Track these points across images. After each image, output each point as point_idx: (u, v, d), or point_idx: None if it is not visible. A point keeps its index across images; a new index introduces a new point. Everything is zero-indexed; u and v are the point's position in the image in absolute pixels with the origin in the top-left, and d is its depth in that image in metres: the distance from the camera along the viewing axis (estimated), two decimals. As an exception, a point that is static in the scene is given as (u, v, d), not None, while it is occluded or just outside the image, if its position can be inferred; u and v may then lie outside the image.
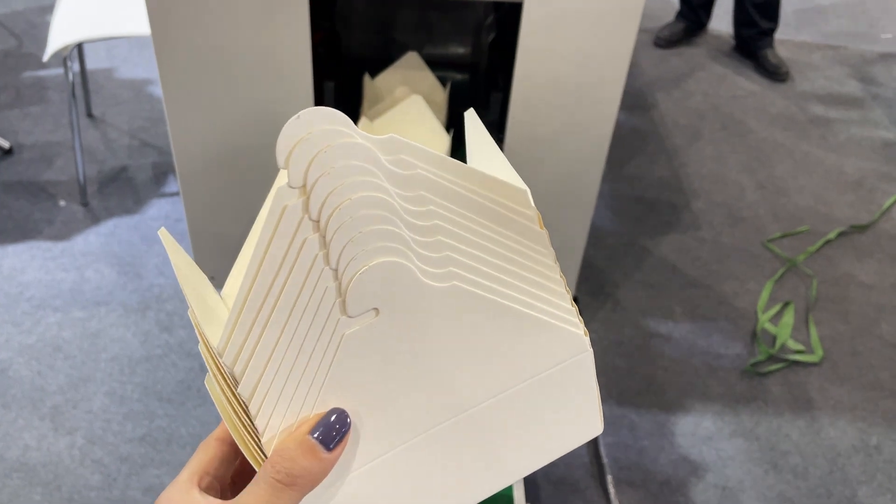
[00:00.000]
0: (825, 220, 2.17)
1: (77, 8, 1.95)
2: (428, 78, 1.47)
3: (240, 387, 0.35)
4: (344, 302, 0.34)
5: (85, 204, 2.07)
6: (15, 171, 2.16)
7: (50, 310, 1.77)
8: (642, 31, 2.99)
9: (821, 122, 2.56)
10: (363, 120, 1.28)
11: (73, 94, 1.96)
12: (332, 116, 0.33)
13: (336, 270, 0.34)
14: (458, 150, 1.31)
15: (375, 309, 0.35)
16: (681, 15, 2.93)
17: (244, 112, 1.31)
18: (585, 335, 0.42)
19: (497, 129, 1.53)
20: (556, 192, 1.44)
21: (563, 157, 1.39)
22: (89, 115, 2.40)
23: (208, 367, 0.39)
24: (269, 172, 1.39)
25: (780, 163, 2.38)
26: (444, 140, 1.30)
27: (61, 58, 1.89)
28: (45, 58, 1.83)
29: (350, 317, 0.35)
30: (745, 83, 2.74)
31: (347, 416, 0.36)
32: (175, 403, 1.60)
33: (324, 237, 0.33)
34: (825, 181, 2.32)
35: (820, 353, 1.79)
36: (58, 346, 1.69)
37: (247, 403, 0.36)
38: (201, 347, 0.40)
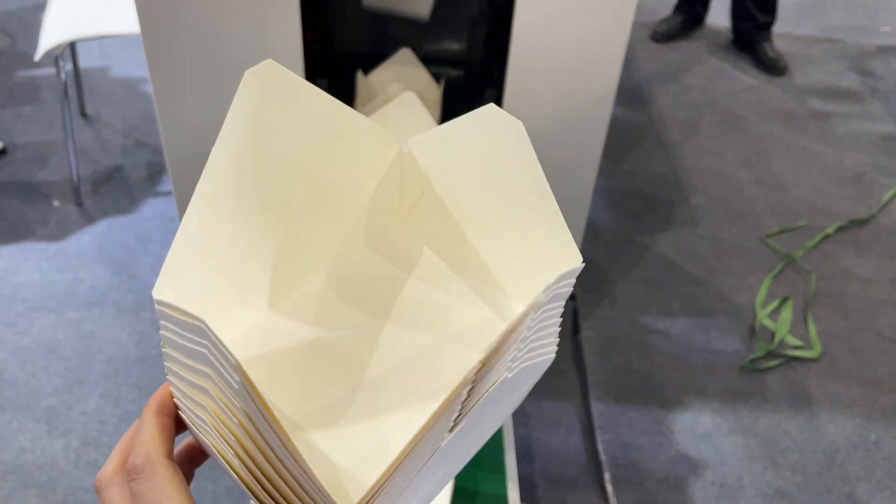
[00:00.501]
0: (824, 214, 2.16)
1: (69, 7, 1.93)
2: (422, 74, 1.45)
3: None
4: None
5: (79, 204, 2.06)
6: (8, 172, 2.15)
7: (44, 311, 1.76)
8: (639, 25, 2.98)
9: (819, 116, 2.55)
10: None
11: (66, 94, 1.95)
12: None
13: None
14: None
15: None
16: (678, 9, 2.92)
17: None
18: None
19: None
20: (551, 187, 1.42)
21: (559, 153, 1.37)
22: (83, 114, 2.39)
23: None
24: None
25: (778, 157, 2.37)
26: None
27: (53, 57, 1.88)
28: (37, 57, 1.82)
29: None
30: (743, 77, 2.73)
31: None
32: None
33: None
34: (824, 175, 2.31)
35: (819, 348, 1.78)
36: (52, 348, 1.68)
37: None
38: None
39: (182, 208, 1.44)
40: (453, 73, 1.66)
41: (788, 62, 2.77)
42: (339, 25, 1.69)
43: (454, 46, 1.70)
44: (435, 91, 1.44)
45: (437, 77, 1.47)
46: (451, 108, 1.61)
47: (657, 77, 2.70)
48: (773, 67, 2.72)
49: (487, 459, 1.15)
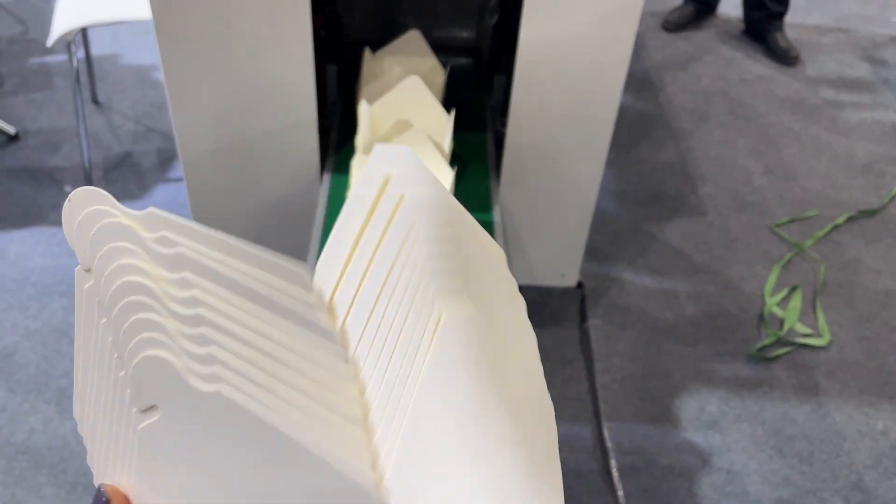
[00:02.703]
0: (834, 204, 2.15)
1: (80, -7, 1.94)
2: (428, 57, 1.46)
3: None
4: (129, 395, 0.31)
5: (90, 190, 2.07)
6: (20, 157, 2.16)
7: (55, 295, 1.77)
8: (650, 14, 2.97)
9: (830, 106, 2.54)
10: (362, 102, 1.27)
11: (78, 80, 1.96)
12: (92, 196, 0.31)
13: (122, 359, 0.30)
14: (456, 131, 1.30)
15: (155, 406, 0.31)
16: (689, -3, 2.90)
17: (246, 96, 1.31)
18: (375, 481, 0.31)
19: (500, 112, 1.52)
20: (559, 176, 1.43)
21: (567, 141, 1.37)
22: (94, 101, 2.40)
23: None
24: (271, 157, 1.39)
25: (788, 147, 2.36)
26: (445, 121, 1.29)
27: (65, 43, 1.89)
28: (49, 42, 1.83)
29: (140, 411, 0.30)
30: (753, 67, 2.71)
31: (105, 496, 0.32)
32: (180, 387, 1.60)
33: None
34: (834, 165, 2.29)
35: (827, 336, 1.78)
36: (63, 331, 1.70)
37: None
38: None
39: (192, 193, 1.45)
40: (461, 59, 1.67)
41: (800, 52, 2.76)
42: (348, 12, 1.69)
43: (463, 33, 1.70)
44: (440, 75, 1.44)
45: (444, 63, 1.47)
46: (459, 93, 1.61)
47: (667, 66, 2.69)
48: (784, 57, 2.71)
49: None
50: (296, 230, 1.48)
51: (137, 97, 2.42)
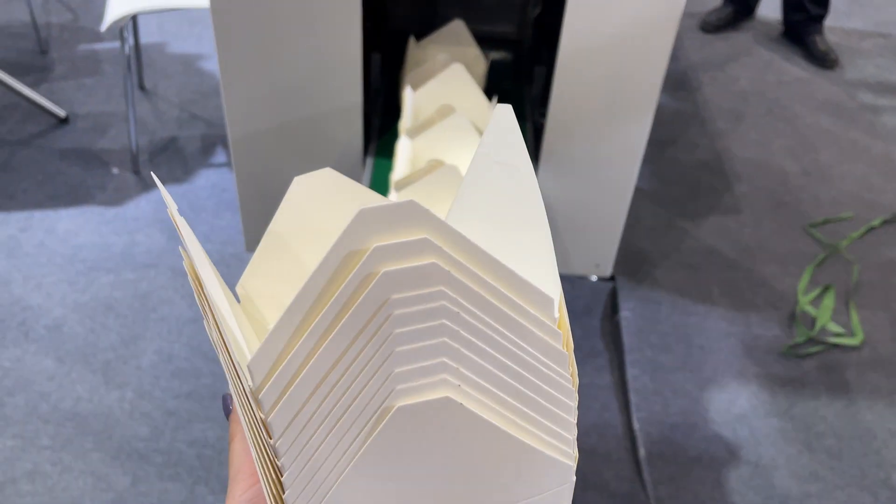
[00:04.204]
0: (870, 207, 2.15)
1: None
2: (471, 46, 1.49)
3: (273, 436, 0.31)
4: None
5: (136, 172, 2.13)
6: (70, 139, 2.23)
7: (103, 271, 1.83)
8: (688, 15, 2.97)
9: (869, 110, 2.52)
10: (407, 88, 1.30)
11: (129, 67, 2.02)
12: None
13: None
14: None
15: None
16: (729, 0, 2.90)
17: (295, 81, 1.35)
18: (575, 460, 0.36)
19: (540, 104, 1.55)
20: (596, 167, 1.45)
21: (605, 135, 1.40)
22: (141, 87, 2.47)
23: (232, 385, 0.35)
24: (317, 140, 1.43)
25: (825, 149, 2.35)
26: (487, 108, 1.32)
27: (117, 30, 1.96)
28: (103, 28, 1.89)
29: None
30: (792, 69, 2.71)
31: None
32: (220, 363, 1.65)
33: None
34: (871, 168, 2.29)
35: (861, 336, 1.78)
36: (110, 306, 1.76)
37: (274, 447, 0.31)
38: (226, 362, 0.35)
39: (240, 174, 1.49)
40: (503, 51, 1.70)
41: (839, 55, 2.75)
42: (394, 3, 1.74)
43: (506, 25, 1.73)
44: (482, 65, 1.47)
45: (485, 54, 1.51)
46: (501, 84, 1.64)
47: (704, 67, 2.70)
48: (823, 60, 2.70)
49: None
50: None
51: (182, 84, 2.49)
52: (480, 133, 1.29)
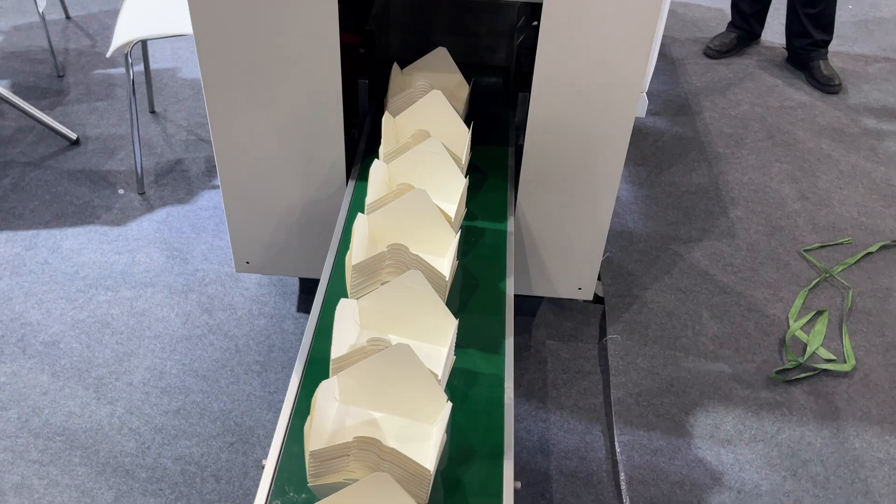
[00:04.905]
0: (868, 232, 2.13)
1: (140, 8, 2.08)
2: (454, 73, 1.52)
3: None
4: None
5: (142, 193, 2.19)
6: (80, 161, 2.30)
7: (102, 289, 1.89)
8: (692, 40, 2.99)
9: (871, 135, 2.51)
10: (386, 114, 1.34)
11: (134, 91, 2.09)
12: None
13: None
14: (473, 144, 1.36)
15: None
16: (733, 24, 2.91)
17: (279, 107, 1.39)
18: None
19: (523, 128, 1.57)
20: (574, 191, 1.47)
21: (582, 157, 1.42)
22: (152, 111, 2.54)
23: None
24: (300, 166, 1.47)
25: (824, 174, 2.34)
26: (464, 132, 1.35)
27: (124, 55, 2.02)
28: (109, 53, 1.96)
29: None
30: (794, 94, 2.71)
31: None
32: (210, 380, 1.68)
33: None
34: (871, 193, 2.27)
35: (852, 361, 1.76)
36: (106, 323, 1.80)
37: None
38: None
39: (229, 198, 1.53)
40: (487, 75, 1.73)
41: (844, 80, 2.74)
42: (383, 30, 1.78)
43: (491, 51, 1.76)
44: (465, 90, 1.50)
45: (469, 78, 1.54)
46: (489, 109, 1.67)
47: (706, 91, 2.71)
48: (827, 85, 2.69)
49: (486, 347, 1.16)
50: (325, 233, 1.55)
51: (191, 108, 2.56)
52: (455, 157, 1.32)
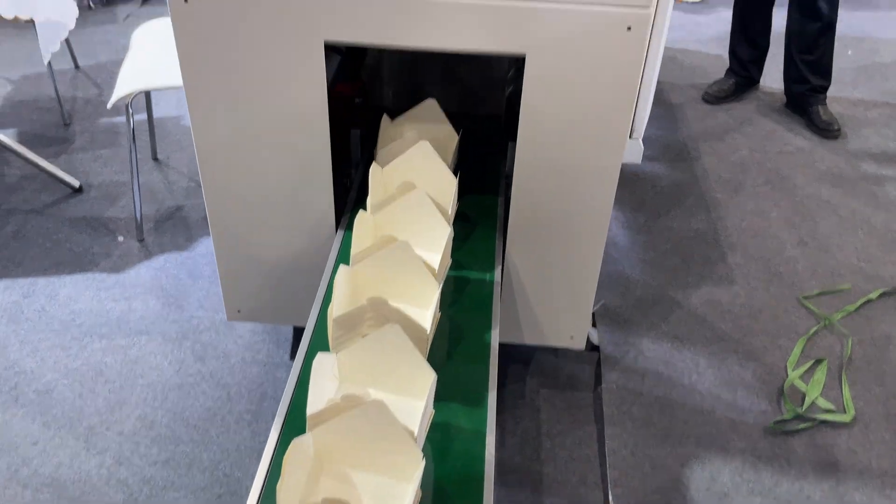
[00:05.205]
0: (868, 279, 2.11)
1: (143, 59, 2.12)
2: (443, 124, 1.54)
3: None
4: None
5: (141, 240, 2.21)
6: (81, 208, 2.33)
7: (96, 337, 1.89)
8: (691, 86, 3.01)
9: (871, 180, 2.51)
10: (374, 165, 1.35)
11: (134, 139, 2.12)
12: None
13: None
14: (464, 193, 1.36)
15: None
16: (731, 71, 2.93)
17: (268, 159, 1.41)
18: None
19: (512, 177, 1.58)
20: (562, 240, 1.47)
21: (569, 207, 1.42)
22: (155, 158, 2.58)
23: None
24: (290, 215, 1.48)
25: (824, 219, 2.33)
26: (451, 183, 1.36)
27: (124, 106, 2.06)
28: (109, 105, 2.00)
29: None
30: (794, 139, 2.71)
31: None
32: (200, 430, 1.67)
33: None
34: (872, 239, 2.26)
35: (852, 412, 1.73)
36: (100, 371, 1.80)
37: None
38: None
39: (220, 247, 1.54)
40: (482, 128, 1.75)
41: (843, 125, 2.74)
42: (379, 81, 1.80)
43: (481, 101, 1.78)
44: (454, 140, 1.52)
45: (458, 129, 1.55)
46: (480, 159, 1.68)
47: (705, 136, 2.71)
48: (826, 130, 2.70)
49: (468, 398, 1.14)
50: (316, 283, 1.56)
51: (194, 155, 2.59)
52: (441, 208, 1.32)
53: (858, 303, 2.02)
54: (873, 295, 2.04)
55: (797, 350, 1.88)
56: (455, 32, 1.23)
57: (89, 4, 3.73)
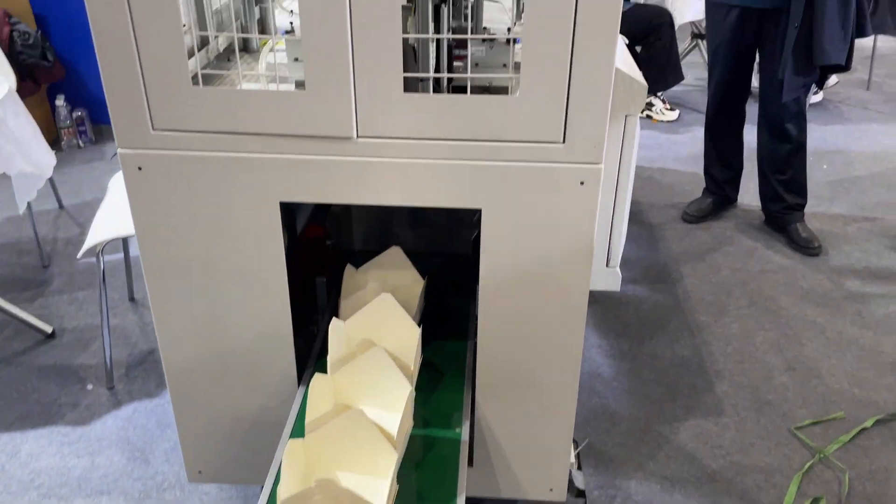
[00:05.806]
0: (861, 405, 2.04)
1: (116, 208, 2.13)
2: (408, 270, 1.51)
3: None
4: None
5: (111, 387, 2.15)
6: (52, 356, 2.28)
7: (55, 499, 1.80)
8: (670, 206, 3.03)
9: (856, 298, 2.47)
10: (333, 319, 1.31)
11: (105, 288, 2.10)
12: None
13: None
14: (432, 339, 1.32)
15: None
16: (708, 190, 2.96)
17: (226, 317, 1.37)
18: None
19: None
20: (533, 390, 1.41)
21: (537, 355, 1.37)
22: (132, 299, 2.55)
23: None
24: (250, 373, 1.43)
25: (811, 341, 2.28)
26: (413, 336, 1.32)
27: (97, 252, 2.05)
28: (79, 255, 1.99)
29: None
30: (774, 257, 2.70)
31: None
32: None
33: None
34: (861, 362, 2.20)
35: (855, 559, 1.62)
36: (56, 537, 1.70)
37: None
38: None
39: (178, 406, 1.48)
40: (450, 270, 1.73)
41: (824, 241, 2.74)
42: (339, 227, 1.80)
43: (453, 244, 1.77)
44: (419, 286, 1.49)
45: (424, 273, 1.53)
46: (448, 302, 1.65)
47: (685, 257, 2.70)
48: (806, 248, 2.69)
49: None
50: (277, 442, 1.49)
51: (169, 295, 2.56)
52: (402, 364, 1.28)
53: (853, 432, 1.94)
54: (868, 423, 1.97)
55: (792, 488, 1.79)
56: (410, 190, 1.23)
57: (79, 144, 3.81)
